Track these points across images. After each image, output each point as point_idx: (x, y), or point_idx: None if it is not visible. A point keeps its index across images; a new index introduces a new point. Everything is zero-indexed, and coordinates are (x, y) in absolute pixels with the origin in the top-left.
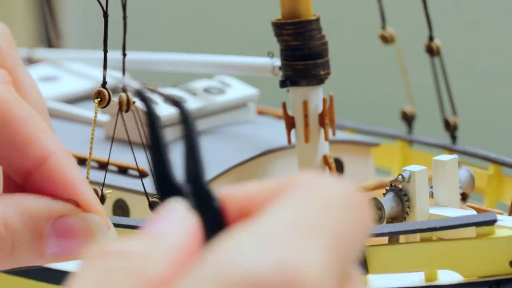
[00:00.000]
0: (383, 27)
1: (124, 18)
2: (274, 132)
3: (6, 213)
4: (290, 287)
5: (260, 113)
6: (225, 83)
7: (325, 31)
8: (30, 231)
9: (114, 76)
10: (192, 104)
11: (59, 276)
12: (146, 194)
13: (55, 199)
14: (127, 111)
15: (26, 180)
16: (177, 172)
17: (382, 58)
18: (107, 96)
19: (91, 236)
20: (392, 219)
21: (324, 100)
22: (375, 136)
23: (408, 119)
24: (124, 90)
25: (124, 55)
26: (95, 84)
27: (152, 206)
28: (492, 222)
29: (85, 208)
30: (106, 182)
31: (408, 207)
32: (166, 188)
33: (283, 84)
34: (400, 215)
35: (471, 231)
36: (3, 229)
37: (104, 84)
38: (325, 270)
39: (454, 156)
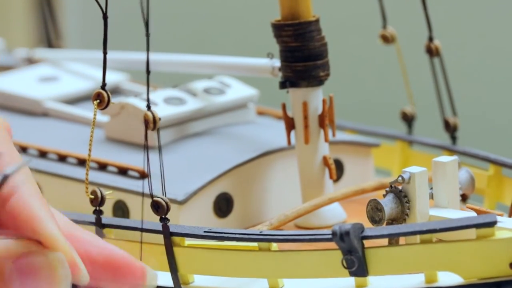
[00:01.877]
0: (384, 26)
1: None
2: (274, 133)
3: None
4: None
5: (260, 113)
6: (225, 83)
7: (325, 31)
8: None
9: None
10: (192, 104)
11: None
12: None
13: (17, 238)
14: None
15: None
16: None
17: (382, 58)
18: (106, 98)
19: (53, 272)
20: (392, 221)
21: (324, 101)
22: (375, 137)
23: (408, 119)
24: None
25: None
26: (94, 84)
27: (154, 206)
28: (492, 224)
29: (47, 246)
30: (106, 183)
31: (408, 209)
32: None
33: (282, 85)
34: (400, 217)
35: (471, 232)
36: None
37: (103, 86)
38: None
39: (454, 157)
